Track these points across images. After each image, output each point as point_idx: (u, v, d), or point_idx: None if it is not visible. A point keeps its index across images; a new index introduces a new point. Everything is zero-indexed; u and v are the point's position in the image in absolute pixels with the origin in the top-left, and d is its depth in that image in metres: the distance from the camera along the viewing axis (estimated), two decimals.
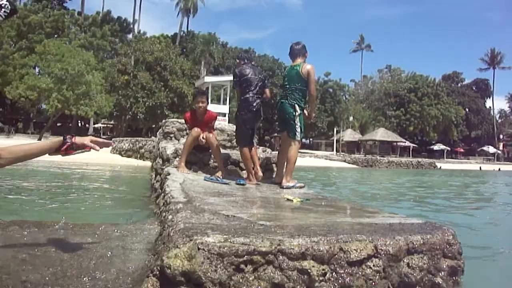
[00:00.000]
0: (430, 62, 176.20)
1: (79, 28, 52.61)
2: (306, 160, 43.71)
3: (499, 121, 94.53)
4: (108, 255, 3.02)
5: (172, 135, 9.36)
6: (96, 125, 64.04)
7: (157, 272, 2.18)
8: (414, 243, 2.68)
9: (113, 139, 29.90)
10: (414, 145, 69.94)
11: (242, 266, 2.16)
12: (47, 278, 2.48)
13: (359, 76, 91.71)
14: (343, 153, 57.74)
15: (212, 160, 6.64)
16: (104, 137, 50.87)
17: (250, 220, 2.98)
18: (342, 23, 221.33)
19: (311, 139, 75.83)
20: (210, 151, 6.51)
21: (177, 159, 6.65)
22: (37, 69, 45.82)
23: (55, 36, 49.56)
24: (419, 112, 71.61)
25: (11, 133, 47.29)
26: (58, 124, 56.20)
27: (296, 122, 5.88)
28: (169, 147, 7.25)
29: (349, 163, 45.90)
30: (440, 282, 2.73)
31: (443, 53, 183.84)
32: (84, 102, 39.00)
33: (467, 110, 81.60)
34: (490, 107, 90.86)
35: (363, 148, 67.69)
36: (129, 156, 24.23)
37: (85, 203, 7.73)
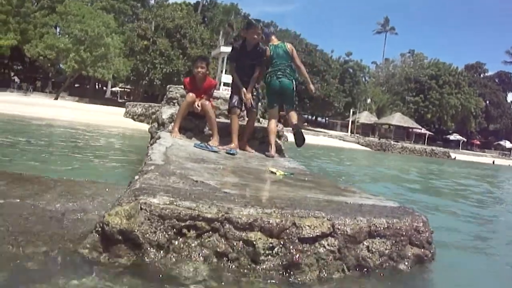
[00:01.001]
0: (454, 50, 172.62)
1: None
2: (320, 139, 43.53)
3: None
4: (71, 210, 2.99)
5: (175, 101, 9.24)
6: (113, 89, 64.31)
7: (100, 229, 2.12)
8: (377, 226, 2.55)
9: (126, 103, 29.98)
10: (430, 133, 68.95)
11: (185, 230, 2.09)
12: (10, 228, 2.46)
13: (380, 59, 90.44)
14: (357, 135, 57.29)
15: (207, 128, 6.55)
16: (120, 101, 51.21)
17: (216, 187, 2.90)
18: (367, 2, 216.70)
19: (327, 119, 75.29)
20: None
21: (172, 124, 6.57)
22: (57, 29, 45.93)
23: None
24: (438, 100, 70.36)
25: (29, 91, 47.76)
26: (76, 85, 56.50)
27: (294, 95, 6.29)
28: (165, 111, 7.18)
29: (362, 145, 45.57)
30: (403, 269, 2.62)
31: (468, 42, 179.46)
32: (102, 64, 39.08)
33: (487, 102, 79.97)
34: (511, 101, 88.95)
35: (378, 131, 67.03)
36: (141, 121, 24.34)
37: (80, 161, 7.81)
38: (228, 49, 30.09)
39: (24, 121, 16.28)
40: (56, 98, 40.74)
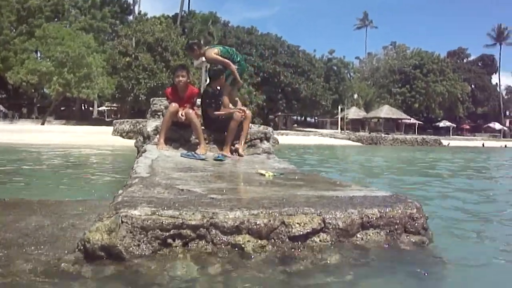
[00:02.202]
0: (435, 38, 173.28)
1: (79, 11, 51.95)
2: (310, 138, 43.53)
3: (506, 97, 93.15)
4: (56, 232, 2.90)
5: (160, 113, 9.13)
6: (100, 108, 63.94)
7: (81, 247, 2.04)
8: (370, 216, 2.49)
9: (114, 121, 29.76)
10: (420, 122, 69.20)
11: (170, 240, 2.01)
12: None
13: (363, 53, 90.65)
14: (347, 131, 57.38)
15: (193, 137, 6.47)
16: (108, 119, 50.94)
17: (202, 193, 2.82)
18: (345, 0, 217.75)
19: (316, 118, 75.40)
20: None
21: (158, 136, 6.48)
22: (38, 54, 45.64)
23: (55, 19, 49.11)
24: (424, 89, 70.71)
25: (15, 119, 47.35)
26: (62, 108, 56.08)
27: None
28: (150, 124, 7.09)
29: (353, 141, 45.59)
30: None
31: (448, 29, 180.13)
32: (86, 84, 38.87)
33: (473, 86, 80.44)
34: (496, 83, 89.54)
35: (368, 125, 67.20)
36: (130, 138, 24.12)
37: (69, 181, 7.71)
38: None
39: (12, 148, 16.09)
40: (42, 123, 40.39)
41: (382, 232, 2.52)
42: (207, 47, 7.30)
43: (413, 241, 2.63)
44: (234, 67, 6.77)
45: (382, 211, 2.56)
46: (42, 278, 2.04)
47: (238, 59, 7.08)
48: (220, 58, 6.82)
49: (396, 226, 2.57)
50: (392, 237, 2.55)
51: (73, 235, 2.84)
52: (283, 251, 2.14)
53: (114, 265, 1.96)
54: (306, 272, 2.10)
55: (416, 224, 2.67)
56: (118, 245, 1.93)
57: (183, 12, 59.32)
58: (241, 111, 6.15)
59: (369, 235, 2.47)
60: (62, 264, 2.04)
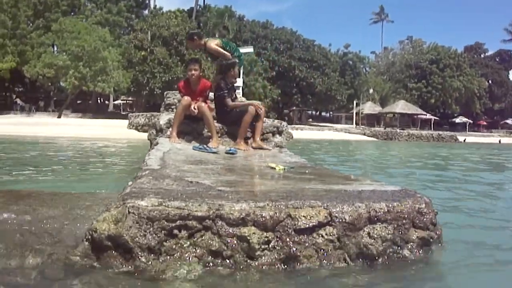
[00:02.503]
0: (452, 33, 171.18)
1: (95, 5, 52.31)
2: (325, 133, 43.39)
3: None
4: (66, 222, 2.94)
5: (173, 107, 9.18)
6: (115, 102, 64.45)
7: (89, 237, 2.07)
8: (377, 210, 2.47)
9: (129, 114, 29.97)
10: (436, 118, 68.44)
11: (176, 231, 2.03)
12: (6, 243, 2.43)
13: (379, 48, 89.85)
14: (362, 126, 57.03)
15: (206, 130, 6.49)
16: (123, 113, 51.34)
17: (210, 186, 2.83)
18: None
19: (331, 113, 75.06)
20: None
21: (170, 129, 6.52)
22: (54, 48, 46.10)
23: (71, 14, 49.52)
24: (441, 84, 69.83)
25: (32, 112, 47.96)
26: (78, 102, 56.65)
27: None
28: (163, 117, 7.14)
29: (368, 136, 45.34)
30: (407, 255, 2.53)
31: (465, 24, 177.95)
32: (101, 78, 39.19)
33: (490, 82, 79.19)
34: None
35: (383, 121, 66.69)
36: (145, 131, 24.19)
37: (84, 174, 7.82)
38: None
39: (29, 141, 16.33)
40: (59, 116, 40.88)
41: (390, 227, 2.50)
42: (207, 38, 7.37)
43: (421, 236, 2.62)
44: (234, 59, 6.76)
45: (390, 205, 2.54)
46: (52, 270, 2.09)
47: (237, 54, 7.12)
48: (221, 49, 6.86)
49: (404, 221, 2.55)
50: (400, 232, 2.53)
51: (83, 227, 2.88)
52: (289, 249, 2.15)
53: (120, 260, 2.01)
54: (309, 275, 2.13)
55: (425, 219, 2.65)
56: (125, 235, 1.95)
57: (198, 6, 59.37)
58: (256, 105, 6.15)
59: (376, 229, 2.45)
60: (72, 257, 2.08)
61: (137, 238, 1.96)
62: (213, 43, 6.98)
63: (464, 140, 47.13)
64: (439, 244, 2.76)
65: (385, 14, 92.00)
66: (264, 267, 2.08)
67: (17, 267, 2.13)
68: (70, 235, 2.71)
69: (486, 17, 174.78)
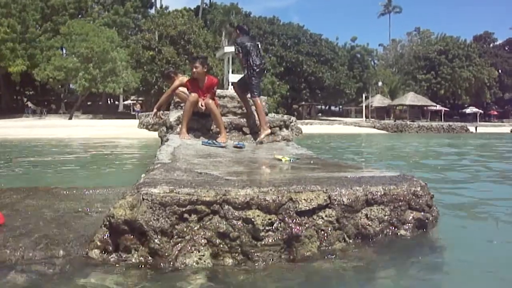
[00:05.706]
0: (460, 23, 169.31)
1: (102, 7, 52.90)
2: (335, 127, 43.44)
3: None
4: (83, 215, 3.14)
5: (182, 104, 9.41)
6: (125, 102, 64.95)
7: (107, 223, 2.26)
8: (374, 193, 2.64)
9: (139, 114, 30.32)
10: (446, 109, 68.03)
11: (186, 215, 2.21)
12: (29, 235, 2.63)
13: (387, 40, 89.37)
14: (372, 119, 56.90)
15: (214, 126, 6.68)
16: (134, 113, 51.74)
17: (218, 176, 3.01)
18: None
19: (340, 107, 74.93)
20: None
21: (180, 126, 6.71)
22: (63, 50, 46.59)
23: (79, 16, 50.08)
24: (450, 74, 69.32)
25: (43, 114, 48.54)
26: (88, 103, 57.20)
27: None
28: (172, 114, 7.34)
29: (378, 129, 45.27)
30: (404, 234, 2.70)
31: (473, 13, 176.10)
32: (111, 79, 39.61)
33: (500, 71, 78.37)
34: None
35: (393, 113, 66.45)
36: (155, 130, 24.45)
37: (98, 171, 8.08)
38: (232, 48, 30.21)
39: (42, 142, 16.66)
40: (70, 118, 41.39)
41: (387, 208, 2.67)
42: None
43: (417, 217, 2.78)
44: None
45: (387, 188, 2.70)
46: (73, 261, 2.30)
47: None
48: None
49: (400, 203, 2.71)
50: (396, 213, 2.69)
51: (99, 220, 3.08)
52: (291, 230, 2.34)
53: (136, 244, 2.22)
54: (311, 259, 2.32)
55: (420, 201, 2.81)
56: (139, 219, 2.14)
57: (204, 4, 59.57)
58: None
59: (374, 211, 2.62)
60: (90, 250, 2.30)
61: (151, 222, 2.15)
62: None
63: (476, 130, 46.82)
64: (435, 225, 2.92)
65: (392, 6, 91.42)
66: (268, 251, 2.26)
67: (42, 258, 2.32)
68: (87, 226, 2.91)
69: (494, 5, 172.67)
